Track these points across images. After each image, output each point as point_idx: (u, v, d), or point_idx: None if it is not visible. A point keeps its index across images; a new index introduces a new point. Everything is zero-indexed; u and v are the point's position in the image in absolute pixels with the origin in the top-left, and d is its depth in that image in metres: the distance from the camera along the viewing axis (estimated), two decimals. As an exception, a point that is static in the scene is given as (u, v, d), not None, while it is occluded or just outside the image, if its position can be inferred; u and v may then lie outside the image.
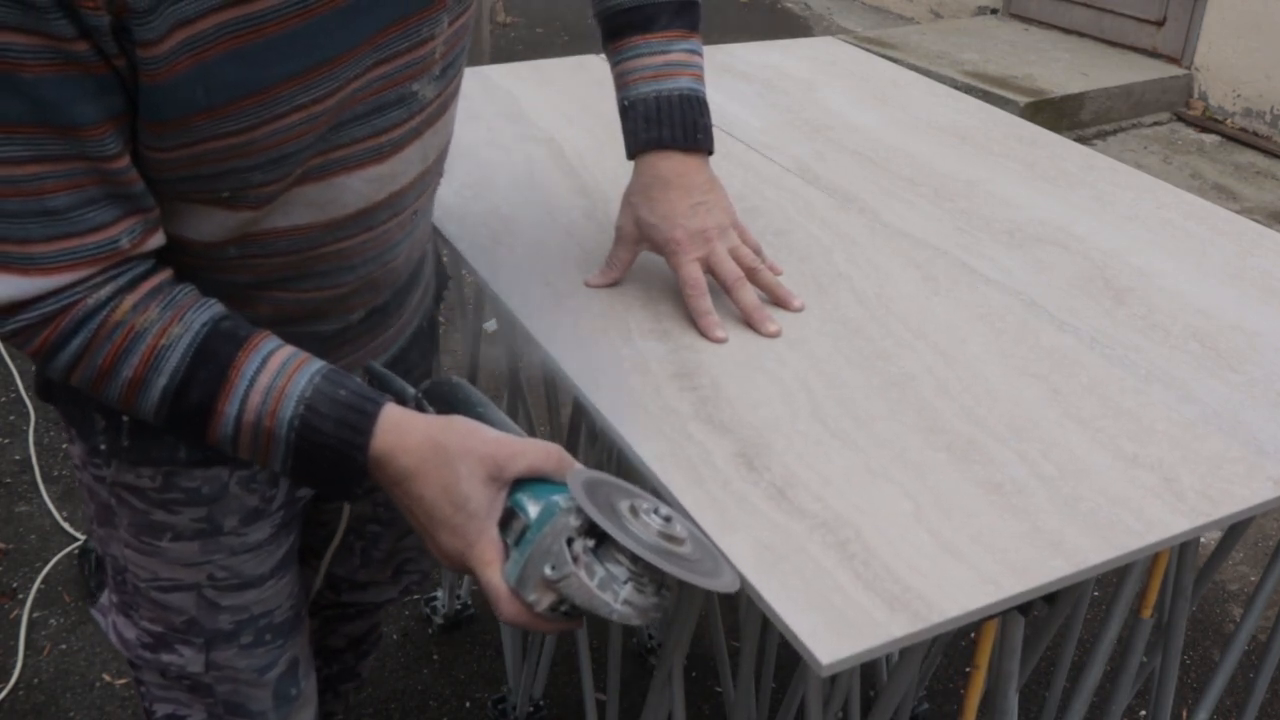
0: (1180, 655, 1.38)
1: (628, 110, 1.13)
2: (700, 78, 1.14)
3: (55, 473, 2.34)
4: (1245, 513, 0.95)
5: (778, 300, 1.16)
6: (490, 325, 2.48)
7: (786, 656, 1.63)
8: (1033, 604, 0.89)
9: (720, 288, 1.14)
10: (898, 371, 1.08)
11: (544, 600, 0.78)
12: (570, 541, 0.77)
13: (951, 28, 5.09)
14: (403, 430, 0.81)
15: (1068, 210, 1.42)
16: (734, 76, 1.83)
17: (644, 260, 1.19)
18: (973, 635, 1.87)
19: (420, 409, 0.88)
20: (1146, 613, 1.32)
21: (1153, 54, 4.63)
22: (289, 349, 0.83)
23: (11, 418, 2.51)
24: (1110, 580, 1.94)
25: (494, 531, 0.81)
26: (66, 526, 2.20)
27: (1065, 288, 1.24)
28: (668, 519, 0.79)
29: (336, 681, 1.48)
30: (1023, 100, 4.15)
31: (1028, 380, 1.08)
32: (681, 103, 1.12)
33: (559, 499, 0.80)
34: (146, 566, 1.03)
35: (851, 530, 0.88)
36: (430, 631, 2.03)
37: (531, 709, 1.82)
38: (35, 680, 1.89)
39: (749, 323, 1.13)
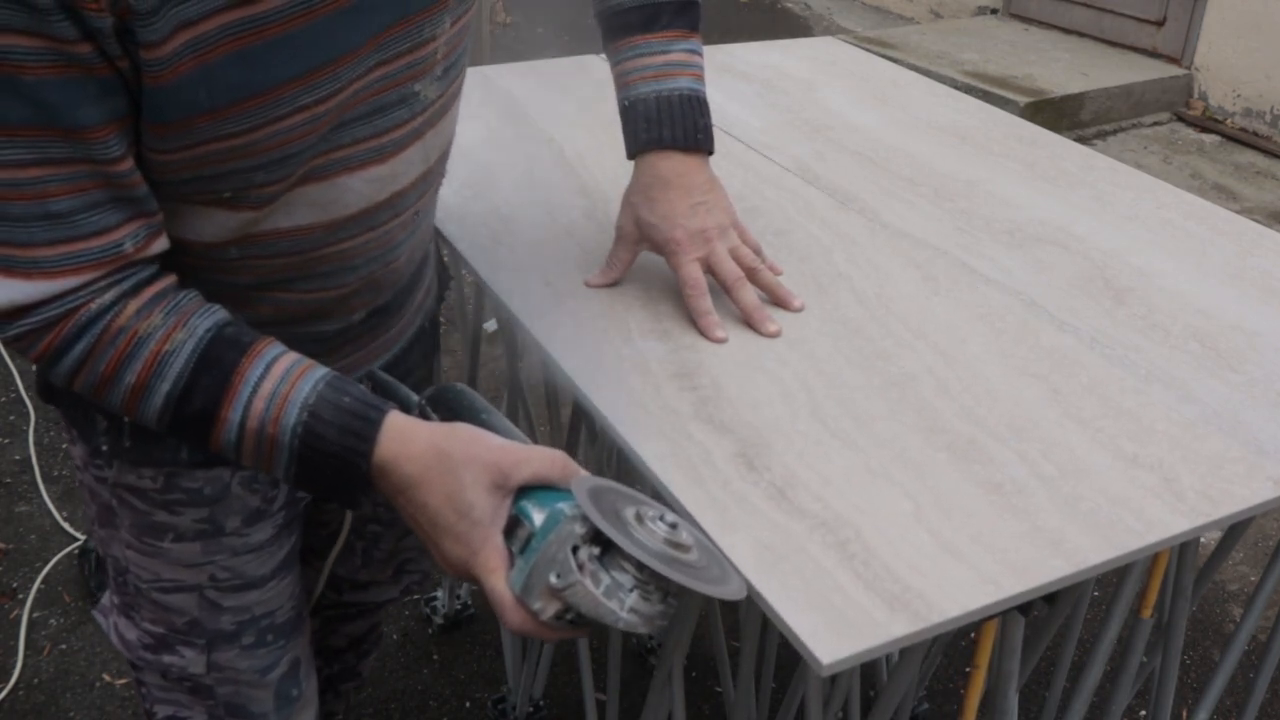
0: (1180, 655, 1.38)
1: (628, 110, 1.13)
2: (700, 78, 1.14)
3: (55, 473, 2.34)
4: (1245, 513, 0.95)
5: (778, 300, 1.16)
6: (490, 325, 2.48)
7: (786, 656, 1.63)
8: (1033, 604, 0.89)
9: (720, 288, 1.14)
10: (898, 371, 1.08)
11: (549, 608, 0.77)
12: (575, 549, 0.76)
13: (951, 28, 5.09)
14: (406, 438, 0.81)
15: (1068, 210, 1.43)
16: (734, 76, 1.83)
17: (644, 260, 1.19)
18: (973, 635, 1.87)
19: (424, 416, 0.88)
20: (1146, 613, 1.32)
21: (1153, 54, 4.63)
22: (293, 355, 0.83)
23: (11, 418, 2.51)
24: (1110, 580, 1.94)
25: (498, 539, 0.80)
26: (66, 526, 2.20)
27: (1065, 288, 1.24)
28: (674, 526, 0.78)
29: (337, 681, 1.48)
30: (1023, 100, 4.15)
31: (1028, 380, 1.08)
32: (682, 103, 1.12)
33: (564, 506, 0.79)
34: (148, 567, 1.03)
35: (851, 530, 0.88)
36: (430, 631, 2.03)
37: (531, 709, 1.82)
38: (35, 680, 1.89)
39: (749, 323, 1.13)
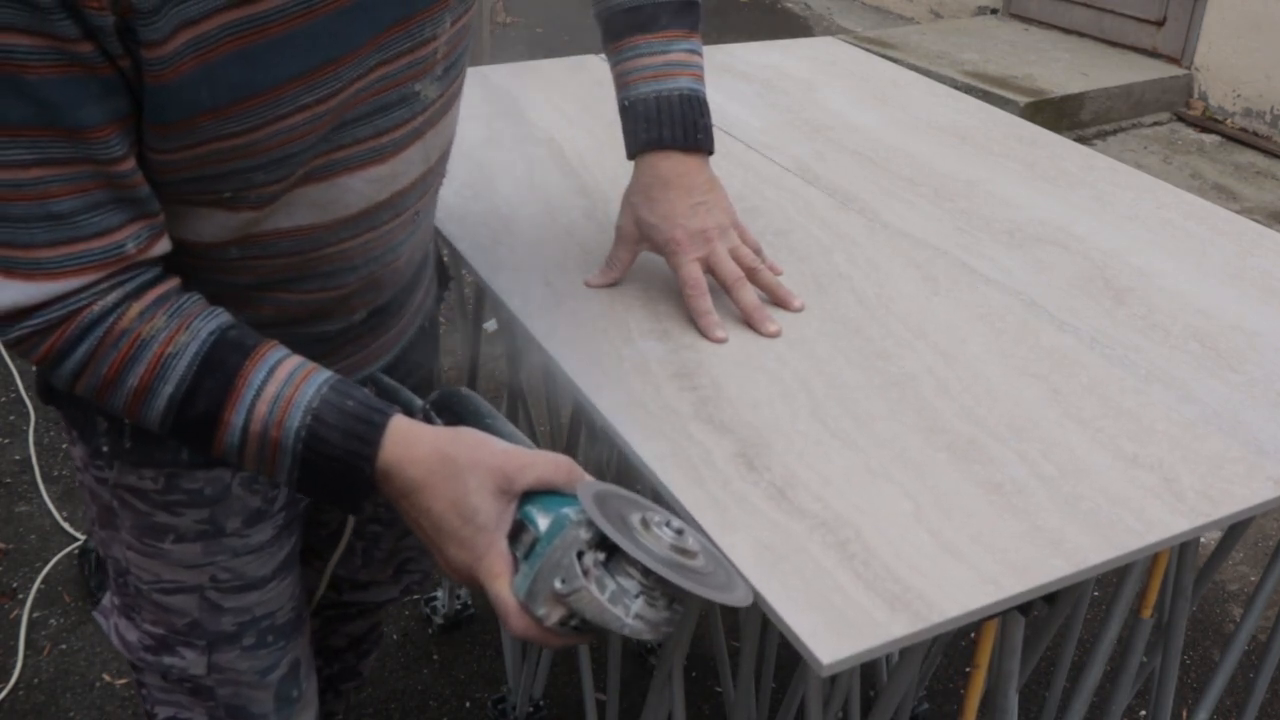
0: (1180, 655, 1.38)
1: (628, 110, 1.13)
2: (700, 78, 1.14)
3: (55, 473, 2.34)
4: (1245, 513, 0.95)
5: (778, 300, 1.16)
6: (490, 325, 2.48)
7: (786, 656, 1.63)
8: (1033, 604, 0.89)
9: (720, 288, 1.14)
10: (898, 371, 1.08)
11: (554, 614, 0.77)
12: (581, 555, 0.76)
13: (951, 28, 5.09)
14: (410, 442, 0.81)
15: (1068, 210, 1.43)
16: (734, 76, 1.83)
17: (644, 260, 1.19)
18: (973, 635, 1.87)
19: (428, 420, 0.88)
20: (1146, 613, 1.32)
21: (1153, 54, 4.63)
22: (296, 359, 0.83)
23: (11, 418, 2.51)
24: (1110, 580, 1.94)
25: (503, 544, 0.80)
26: (66, 526, 2.20)
27: (1065, 288, 1.24)
28: (679, 532, 0.78)
29: (338, 681, 1.48)
30: (1023, 100, 4.15)
31: (1028, 380, 1.08)
32: (681, 103, 1.12)
33: (569, 511, 0.78)
34: (149, 568, 1.03)
35: (851, 530, 0.88)
36: (430, 631, 2.03)
37: (531, 709, 1.82)
38: (35, 680, 1.89)
39: (749, 323, 1.13)
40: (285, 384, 0.81)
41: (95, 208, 0.75)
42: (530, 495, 0.81)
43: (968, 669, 1.42)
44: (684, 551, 0.77)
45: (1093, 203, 1.45)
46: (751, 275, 1.14)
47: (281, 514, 1.06)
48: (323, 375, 0.82)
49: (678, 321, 1.14)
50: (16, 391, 2.58)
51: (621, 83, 1.14)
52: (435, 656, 1.98)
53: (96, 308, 0.77)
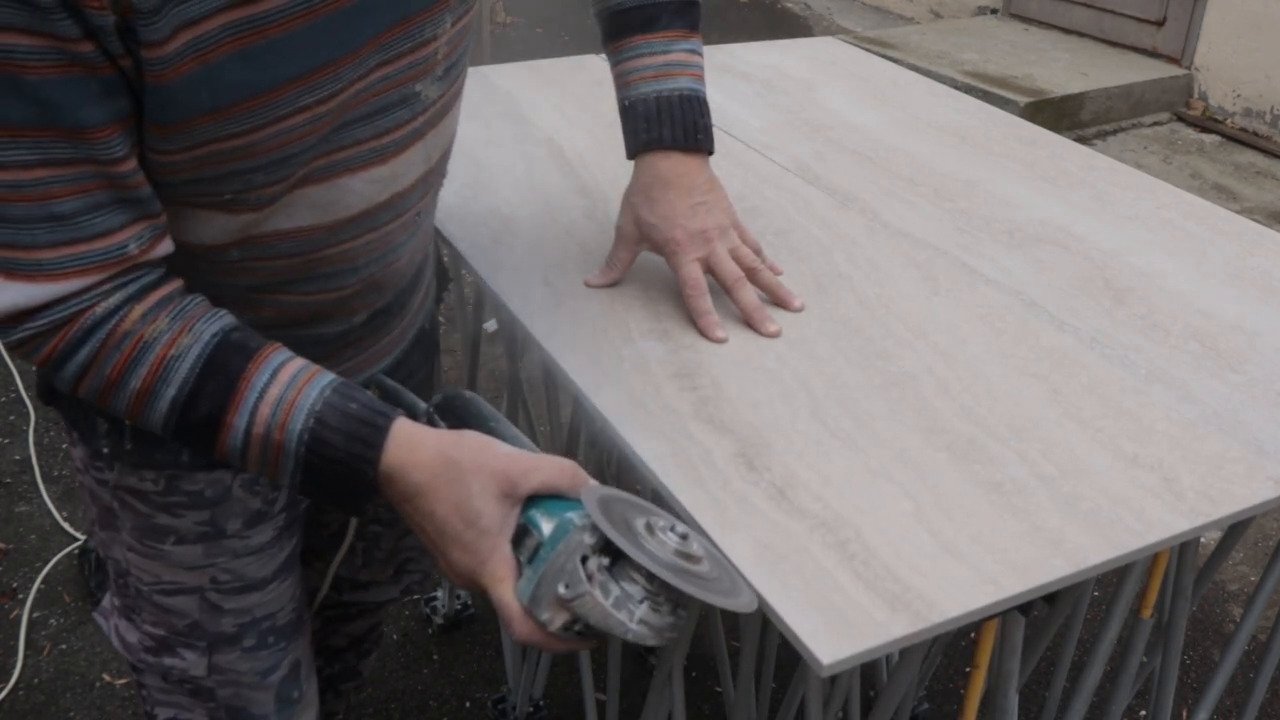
0: (1180, 655, 1.38)
1: (628, 110, 1.13)
2: (700, 78, 1.14)
3: (55, 473, 2.34)
4: (1245, 513, 0.95)
5: (778, 300, 1.16)
6: (490, 325, 2.48)
7: (786, 656, 1.63)
8: (1033, 604, 0.89)
9: (720, 288, 1.14)
10: (898, 371, 1.08)
11: (557, 619, 0.76)
12: (585, 559, 0.76)
13: (951, 28, 5.09)
14: (414, 445, 0.80)
15: (1068, 210, 1.43)
16: (734, 76, 1.83)
17: (644, 260, 1.19)
18: (973, 635, 1.87)
19: (432, 423, 0.87)
20: (1146, 613, 1.32)
21: (1153, 54, 4.63)
22: (299, 361, 0.83)
23: (11, 418, 2.51)
24: (1110, 580, 1.94)
25: (506, 549, 0.79)
26: (66, 526, 2.20)
27: (1065, 288, 1.24)
28: (684, 537, 0.77)
29: (338, 681, 1.48)
30: (1023, 100, 4.15)
31: (1028, 380, 1.08)
32: (682, 103, 1.12)
33: (573, 516, 0.78)
34: (149, 570, 1.02)
35: (852, 530, 0.88)
36: (430, 631, 2.03)
37: (531, 709, 1.82)
38: (35, 680, 1.89)
39: (749, 323, 1.13)
40: (288, 387, 0.80)
41: (97, 209, 0.75)
42: (534, 499, 0.81)
43: (968, 669, 1.42)
44: (689, 557, 0.76)
45: (1093, 203, 1.45)
46: (751, 275, 1.14)
47: (282, 515, 1.06)
48: (326, 378, 0.82)
49: (678, 321, 1.14)
50: (16, 391, 2.58)
51: (622, 83, 1.14)
52: (435, 656, 1.98)
53: (99, 310, 0.77)
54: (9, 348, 0.79)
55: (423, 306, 1.13)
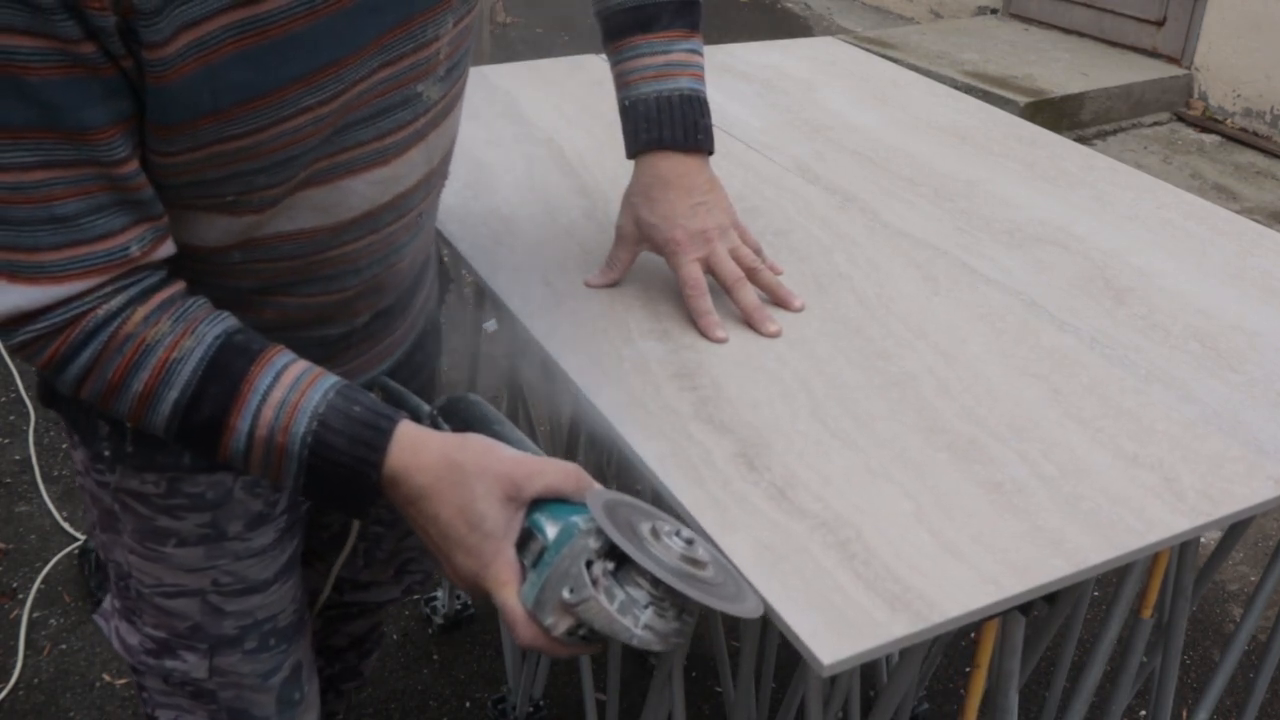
0: (1180, 655, 1.38)
1: (628, 110, 1.13)
2: (701, 78, 1.14)
3: (55, 473, 2.34)
4: (1245, 512, 0.95)
5: (778, 300, 1.16)
6: (490, 325, 2.48)
7: (786, 656, 1.63)
8: (1033, 604, 0.89)
9: (720, 288, 1.14)
10: (898, 371, 1.08)
11: (562, 624, 0.76)
12: (589, 564, 0.75)
13: (951, 28, 5.09)
14: (418, 448, 0.80)
15: (1068, 210, 1.43)
16: (734, 76, 1.83)
17: (644, 260, 1.19)
18: (973, 635, 1.87)
19: (436, 426, 0.87)
20: (1146, 613, 1.32)
21: (1153, 54, 4.63)
22: (303, 363, 0.82)
23: (11, 418, 2.51)
24: (1110, 580, 1.94)
25: (510, 552, 0.79)
26: (66, 526, 2.20)
27: (1065, 288, 1.24)
28: (690, 541, 0.77)
29: (339, 681, 1.47)
30: (1023, 100, 4.15)
31: (1028, 380, 1.08)
32: (682, 103, 1.11)
33: (578, 520, 0.78)
34: (150, 572, 1.02)
35: (852, 530, 0.88)
36: (430, 631, 2.03)
37: (531, 709, 1.82)
38: (35, 680, 1.89)
39: (749, 323, 1.13)
40: (291, 389, 0.80)
41: (99, 210, 0.74)
42: (539, 503, 0.80)
43: (968, 669, 1.42)
44: (694, 562, 0.76)
45: (1093, 203, 1.45)
46: (752, 275, 1.14)
47: (283, 517, 1.06)
48: (329, 380, 0.82)
49: (678, 321, 1.14)
50: (16, 391, 2.58)
51: (622, 82, 1.14)
52: (435, 656, 1.98)
53: (101, 312, 0.77)
54: (11, 350, 0.79)
55: (425, 308, 1.13)
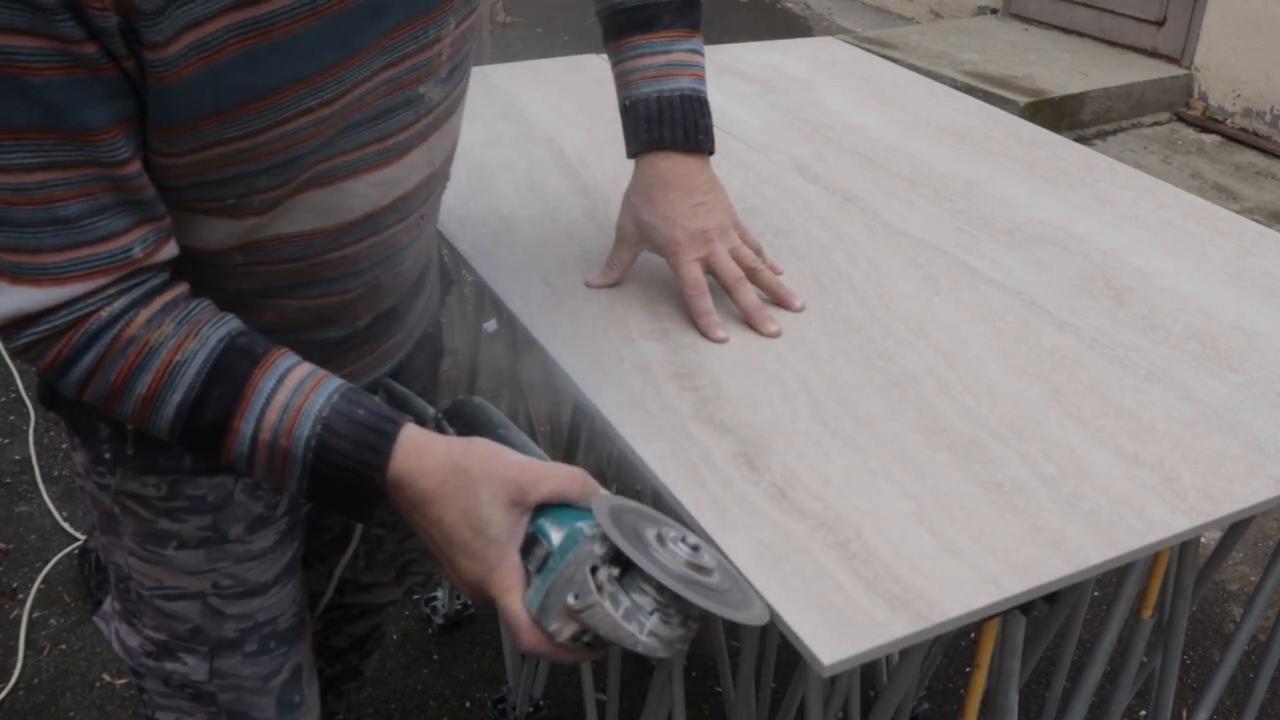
0: (1180, 655, 1.38)
1: (628, 110, 1.13)
2: (701, 78, 1.14)
3: (55, 473, 2.34)
4: (1246, 512, 0.95)
5: (778, 300, 1.16)
6: (490, 325, 2.48)
7: (786, 656, 1.63)
8: (1034, 604, 0.89)
9: (721, 288, 1.14)
10: (898, 371, 1.08)
11: (566, 630, 0.76)
12: (594, 570, 0.75)
13: (951, 28, 5.09)
14: (422, 452, 0.80)
15: (1068, 210, 1.43)
16: (734, 76, 1.83)
17: (644, 260, 1.19)
18: (973, 635, 1.87)
19: (440, 430, 0.86)
20: (1146, 613, 1.32)
21: (1153, 54, 4.63)
22: (307, 366, 0.82)
23: (11, 418, 2.51)
24: (1110, 580, 1.94)
25: (515, 558, 0.78)
26: (66, 526, 2.20)
27: (1066, 288, 1.24)
28: (695, 548, 0.76)
29: (339, 681, 1.47)
30: (1023, 100, 4.15)
31: (1029, 380, 1.08)
32: (683, 103, 1.11)
33: (583, 525, 0.77)
34: (151, 575, 1.02)
35: (852, 530, 0.88)
36: (430, 631, 2.03)
37: (531, 709, 1.82)
38: (35, 680, 1.89)
39: (749, 323, 1.13)
40: (295, 392, 0.80)
41: (101, 211, 0.74)
42: (544, 508, 0.80)
43: (968, 669, 1.42)
44: (700, 568, 0.75)
45: (1093, 203, 1.45)
46: (752, 275, 1.14)
47: (284, 519, 1.05)
48: (334, 383, 0.81)
49: (678, 322, 1.14)
50: (16, 391, 2.58)
51: (622, 82, 1.14)
52: (435, 656, 1.98)
53: (104, 314, 0.77)
54: (14, 353, 0.78)
55: (426, 310, 1.13)
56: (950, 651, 2.02)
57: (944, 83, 1.98)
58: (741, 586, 0.80)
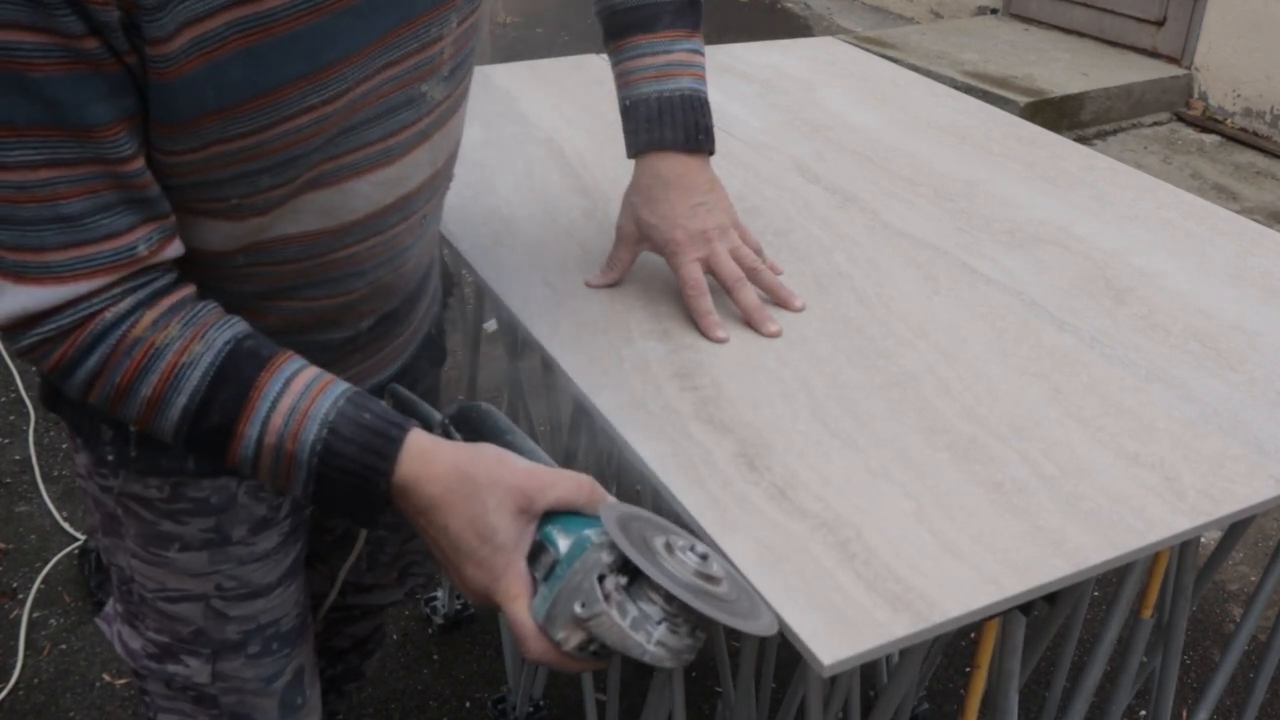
0: (1180, 655, 1.38)
1: (629, 110, 1.13)
2: (702, 78, 1.14)
3: (55, 473, 2.34)
4: (1246, 511, 0.95)
5: (778, 300, 1.16)
6: (490, 325, 2.48)
7: (786, 656, 1.63)
8: (1034, 604, 0.89)
9: (721, 288, 1.14)
10: (898, 371, 1.08)
11: (573, 639, 0.75)
12: (602, 578, 0.74)
13: (951, 28, 5.09)
14: (429, 458, 0.79)
15: (1068, 210, 1.43)
16: (734, 76, 1.83)
17: (644, 260, 1.19)
18: (973, 635, 1.87)
19: (447, 435, 0.86)
20: (1147, 613, 1.32)
21: (1153, 54, 4.63)
22: (313, 370, 0.81)
23: (11, 418, 2.51)
24: (1110, 580, 1.94)
25: (521, 565, 0.78)
26: (66, 526, 2.20)
27: (1066, 287, 1.25)
28: (704, 557, 0.75)
29: (340, 681, 1.47)
30: (1023, 100, 4.15)
31: (1029, 380, 1.08)
32: (683, 103, 1.11)
33: (591, 533, 0.77)
34: (154, 577, 1.02)
35: (852, 530, 0.88)
36: (430, 631, 2.03)
37: (531, 709, 1.82)
38: (35, 680, 1.89)
39: (750, 323, 1.13)
40: (301, 396, 0.79)
41: (105, 209, 0.74)
42: (551, 516, 0.79)
43: (968, 669, 1.42)
44: (708, 577, 0.74)
45: (1093, 203, 1.45)
46: (752, 275, 1.14)
47: (287, 521, 1.05)
48: (340, 388, 0.81)
49: (678, 322, 1.14)
50: (16, 391, 2.58)
51: (623, 82, 1.14)
52: (435, 656, 1.98)
53: (109, 314, 0.76)
54: (19, 354, 0.78)
55: (428, 312, 1.13)
56: (950, 651, 2.02)
57: (944, 83, 1.98)
58: (750, 596, 0.79)
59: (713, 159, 1.15)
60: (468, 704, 1.90)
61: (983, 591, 0.83)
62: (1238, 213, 1.55)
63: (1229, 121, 4.40)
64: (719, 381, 1.05)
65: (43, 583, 2.07)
